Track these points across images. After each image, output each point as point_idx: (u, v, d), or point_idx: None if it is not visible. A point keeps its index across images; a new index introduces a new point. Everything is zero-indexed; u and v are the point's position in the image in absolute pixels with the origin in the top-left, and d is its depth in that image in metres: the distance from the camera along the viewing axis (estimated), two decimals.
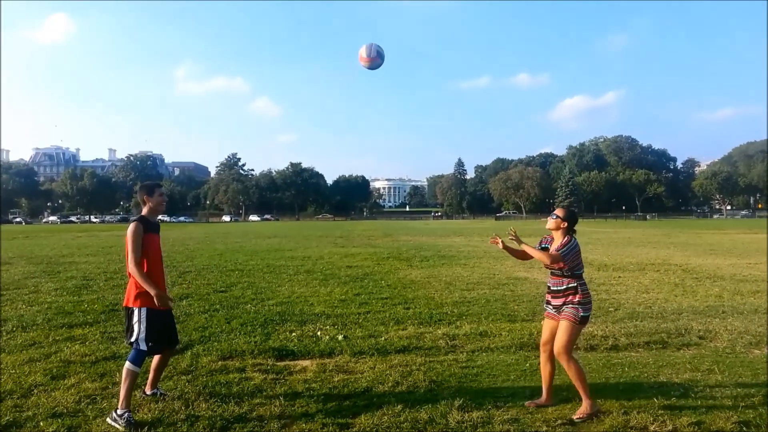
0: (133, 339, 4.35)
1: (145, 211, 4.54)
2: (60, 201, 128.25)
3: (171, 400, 4.60)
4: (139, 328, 4.32)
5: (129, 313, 4.40)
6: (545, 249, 4.62)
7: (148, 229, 4.44)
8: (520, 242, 4.62)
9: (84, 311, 8.62)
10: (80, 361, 5.81)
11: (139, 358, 4.34)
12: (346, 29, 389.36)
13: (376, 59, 5.99)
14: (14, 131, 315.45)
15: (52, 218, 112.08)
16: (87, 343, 6.63)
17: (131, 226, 4.35)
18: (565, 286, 4.47)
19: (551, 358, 4.60)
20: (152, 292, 4.25)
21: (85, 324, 7.71)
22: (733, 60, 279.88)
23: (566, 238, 4.51)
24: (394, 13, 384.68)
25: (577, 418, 4.25)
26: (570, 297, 4.43)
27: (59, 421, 4.17)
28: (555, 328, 4.54)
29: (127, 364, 4.30)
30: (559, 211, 4.63)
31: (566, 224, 4.56)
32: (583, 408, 4.32)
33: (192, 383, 5.08)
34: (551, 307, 4.61)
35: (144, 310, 4.32)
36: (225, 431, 4.05)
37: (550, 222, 4.59)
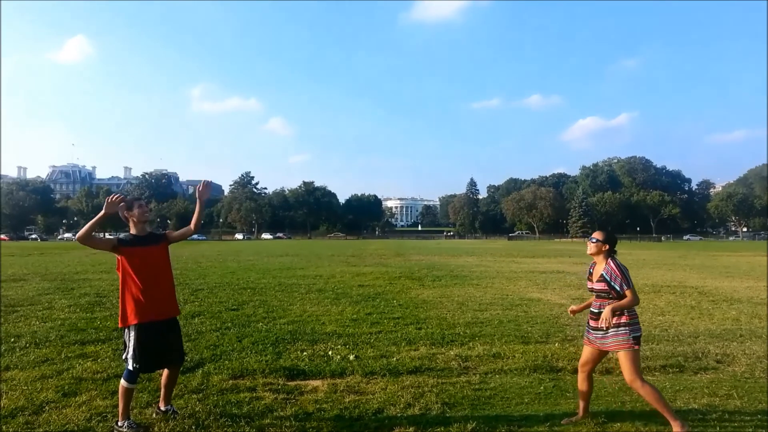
0: (123, 357, 4.49)
1: (131, 227, 4.63)
2: (75, 218, 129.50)
3: (182, 419, 4.58)
4: (128, 346, 4.43)
5: (122, 332, 4.56)
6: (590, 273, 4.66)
7: (135, 242, 4.52)
8: (607, 321, 4.38)
9: (97, 328, 8.65)
10: (92, 378, 5.82)
11: (132, 376, 4.43)
12: (358, 50, 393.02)
13: None
14: (32, 149, 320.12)
15: (68, 235, 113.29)
16: (99, 360, 6.64)
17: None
18: None
19: (588, 378, 4.64)
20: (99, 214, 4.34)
21: (97, 341, 7.73)
22: (746, 81, 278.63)
23: (611, 263, 4.48)
24: (406, 34, 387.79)
25: None
26: (616, 319, 4.35)
27: None
28: (594, 352, 4.57)
29: (122, 380, 4.44)
30: (598, 234, 4.63)
31: (607, 246, 4.56)
32: (675, 428, 4.25)
33: (203, 402, 5.06)
34: (591, 331, 4.54)
35: (132, 329, 4.40)
36: None
37: (591, 247, 4.59)
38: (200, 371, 6.08)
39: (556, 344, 7.58)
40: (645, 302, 12.01)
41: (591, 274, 4.64)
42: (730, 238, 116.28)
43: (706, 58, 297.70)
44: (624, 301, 4.33)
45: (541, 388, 5.60)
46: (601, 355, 4.59)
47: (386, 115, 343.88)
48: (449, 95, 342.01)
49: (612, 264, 4.45)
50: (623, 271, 4.40)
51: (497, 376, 6.06)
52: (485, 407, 5.04)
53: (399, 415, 4.78)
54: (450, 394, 5.39)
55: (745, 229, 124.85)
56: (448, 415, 4.79)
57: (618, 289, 4.36)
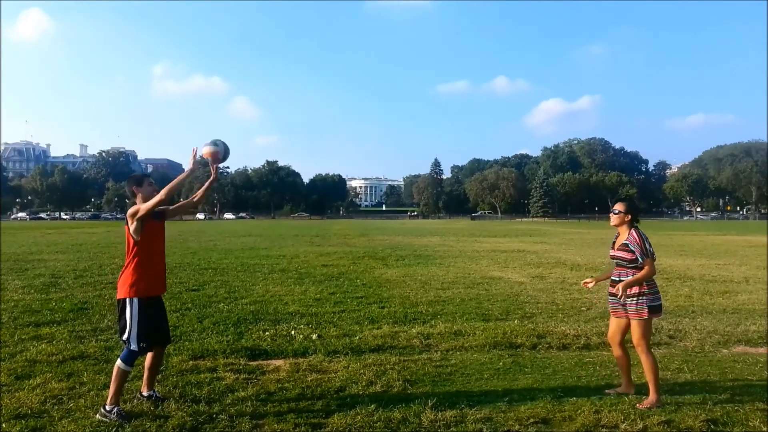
0: (125, 337, 4.23)
1: (137, 202, 4.42)
2: (29, 197, 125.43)
3: (140, 402, 4.50)
4: (131, 324, 4.20)
5: (121, 306, 4.27)
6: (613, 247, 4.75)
7: (153, 216, 4.32)
8: (623, 292, 4.53)
9: (52, 309, 8.43)
10: (47, 360, 5.67)
11: (132, 358, 4.23)
12: (325, 32, 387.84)
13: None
14: None
15: (21, 215, 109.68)
16: (54, 342, 6.48)
17: (130, 209, 4.28)
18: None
19: (622, 348, 4.78)
20: (188, 170, 4.35)
21: (52, 323, 7.53)
22: (703, 68, 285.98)
23: (634, 233, 4.59)
24: (374, 15, 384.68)
25: (642, 407, 4.40)
26: (638, 289, 4.51)
27: (23, 422, 4.05)
28: (621, 323, 4.71)
29: (119, 362, 4.20)
30: (619, 206, 4.73)
31: (629, 217, 4.67)
32: (650, 400, 4.49)
33: (162, 383, 4.98)
34: (611, 299, 4.72)
35: (136, 301, 4.21)
36: None
37: (614, 219, 4.71)
38: None
39: (516, 321, 7.72)
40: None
41: (614, 243, 4.77)
42: (684, 218, 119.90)
43: (670, 44, 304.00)
44: (639, 274, 4.49)
45: (501, 364, 5.70)
46: (627, 323, 4.68)
47: (352, 96, 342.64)
48: (416, 77, 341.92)
49: (635, 234, 4.59)
50: (644, 240, 4.54)
51: (458, 353, 6.15)
52: (446, 383, 5.11)
53: (361, 393, 4.81)
54: (412, 371, 5.44)
55: (698, 210, 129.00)
56: (409, 391, 4.84)
57: (639, 257, 4.51)
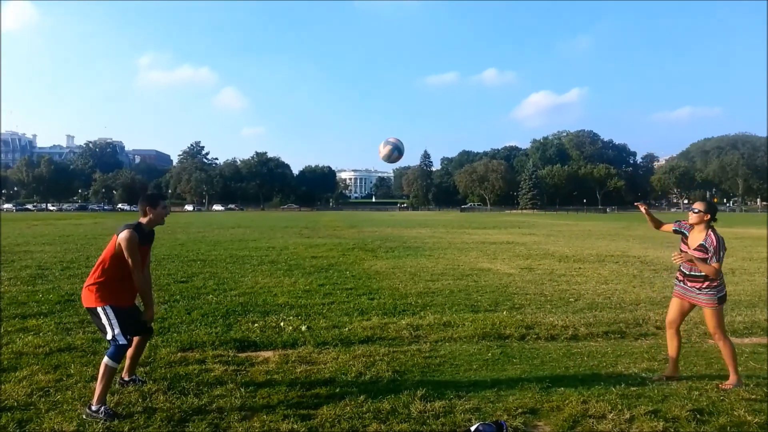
0: (110, 337, 4.20)
1: (144, 220, 4.43)
2: (15, 188, 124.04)
3: (127, 393, 4.49)
4: (111, 325, 4.18)
5: (94, 313, 4.25)
6: (680, 233, 4.98)
7: (141, 240, 4.33)
8: (692, 260, 4.76)
9: (38, 301, 8.36)
10: (33, 352, 5.62)
11: (119, 354, 4.20)
12: (315, 23, 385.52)
13: (393, 156, 5.87)
14: None
15: (7, 206, 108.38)
16: (41, 334, 6.43)
17: (126, 234, 4.21)
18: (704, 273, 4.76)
19: (677, 333, 5.02)
20: (150, 311, 4.43)
21: (39, 314, 7.47)
22: (692, 61, 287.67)
23: (712, 234, 4.75)
24: (364, 7, 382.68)
25: (723, 387, 4.69)
26: (707, 282, 4.76)
27: (9, 415, 4.02)
28: (683, 307, 5.00)
29: (106, 359, 4.16)
30: (699, 205, 4.88)
31: (708, 216, 4.81)
32: (731, 380, 4.78)
33: (150, 375, 4.97)
34: (681, 284, 4.93)
35: (109, 308, 4.20)
36: (183, 424, 3.96)
37: (693, 217, 4.85)
38: (147, 344, 5.93)
39: (504, 312, 7.76)
40: (590, 272, 12.41)
41: (687, 237, 4.90)
42: (672, 210, 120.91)
43: (658, 36, 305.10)
44: (705, 268, 4.67)
45: (489, 354, 5.73)
46: (690, 309, 4.97)
47: (342, 88, 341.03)
48: (406, 69, 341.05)
49: (713, 236, 4.74)
50: (720, 245, 4.69)
51: (447, 344, 6.17)
52: (435, 374, 5.13)
53: (350, 383, 4.81)
54: (401, 362, 5.46)
55: (686, 202, 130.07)
56: (398, 382, 4.86)
57: (711, 259, 4.68)
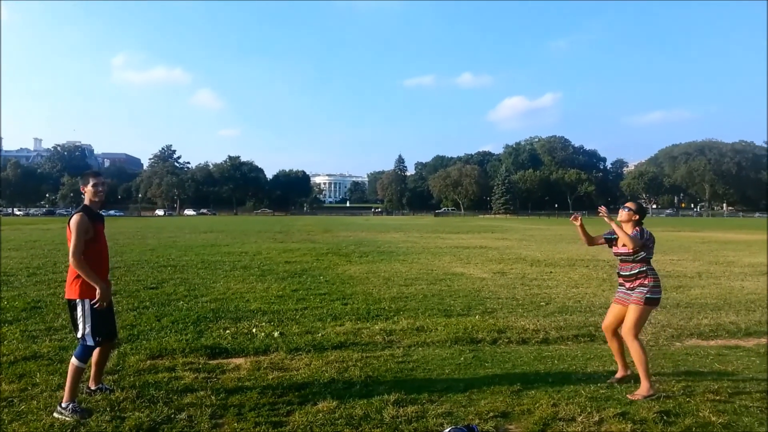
0: (79, 335, 4.24)
1: (86, 201, 4.47)
2: None
3: (95, 402, 4.40)
4: (84, 322, 4.21)
5: (72, 306, 4.31)
6: (610, 239, 5.03)
7: (94, 218, 4.36)
8: (611, 219, 4.89)
9: (3, 309, 8.14)
10: None
11: (86, 354, 4.24)
12: (291, 25, 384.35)
13: None
14: None
15: None
16: (5, 342, 6.26)
17: (75, 217, 4.27)
18: (636, 270, 4.84)
19: (615, 335, 5.03)
20: (97, 286, 4.19)
21: (3, 322, 7.28)
22: (662, 66, 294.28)
23: (638, 229, 4.86)
24: (341, 10, 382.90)
25: (632, 398, 4.56)
26: (640, 280, 4.82)
27: None
28: (618, 312, 4.98)
29: (73, 359, 4.22)
30: (631, 204, 5.00)
31: (637, 216, 4.92)
32: (642, 390, 4.65)
33: (118, 383, 4.87)
34: (623, 290, 4.94)
35: (87, 302, 4.22)
36: None
37: (623, 214, 4.95)
38: (116, 352, 5.82)
39: (477, 317, 7.81)
40: (560, 275, 12.57)
41: (615, 240, 4.95)
42: None
43: (631, 42, 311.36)
44: (625, 237, 4.75)
45: (462, 358, 5.76)
46: (625, 311, 4.92)
47: (317, 91, 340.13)
48: (382, 72, 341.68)
49: (639, 229, 4.88)
50: (645, 233, 4.85)
51: (420, 348, 6.19)
52: (408, 379, 5.14)
53: (323, 389, 4.79)
54: (374, 367, 5.45)
55: (654, 206, 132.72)
56: (371, 387, 4.85)
57: (634, 240, 4.76)
